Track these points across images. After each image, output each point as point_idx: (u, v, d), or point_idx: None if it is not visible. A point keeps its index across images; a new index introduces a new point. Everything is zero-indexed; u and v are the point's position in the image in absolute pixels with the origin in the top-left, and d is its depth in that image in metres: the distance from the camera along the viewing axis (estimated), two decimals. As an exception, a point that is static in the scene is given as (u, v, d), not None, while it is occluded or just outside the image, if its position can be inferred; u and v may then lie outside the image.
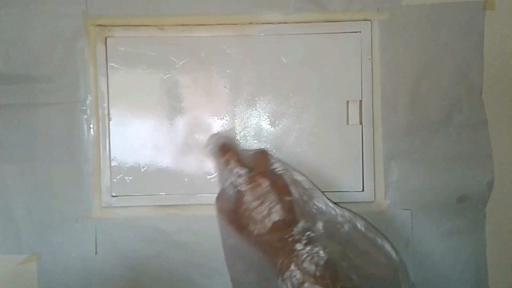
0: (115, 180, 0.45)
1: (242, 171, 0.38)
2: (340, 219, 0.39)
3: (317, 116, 0.45)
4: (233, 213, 0.38)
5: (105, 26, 0.45)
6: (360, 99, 0.45)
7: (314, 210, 0.39)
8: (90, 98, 0.45)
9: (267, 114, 0.45)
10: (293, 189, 0.38)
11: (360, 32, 0.45)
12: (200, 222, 0.45)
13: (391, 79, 0.45)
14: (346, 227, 0.39)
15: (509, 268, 0.46)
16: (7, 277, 0.46)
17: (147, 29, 0.45)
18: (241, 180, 0.37)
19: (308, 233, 0.36)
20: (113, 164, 0.45)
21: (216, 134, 0.42)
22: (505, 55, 0.45)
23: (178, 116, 0.45)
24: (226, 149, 0.40)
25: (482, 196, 0.45)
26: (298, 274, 0.34)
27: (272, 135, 0.45)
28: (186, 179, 0.45)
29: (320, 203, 0.39)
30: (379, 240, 0.40)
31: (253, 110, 0.45)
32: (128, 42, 0.45)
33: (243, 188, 0.37)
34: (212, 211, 0.45)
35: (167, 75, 0.45)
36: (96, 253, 0.45)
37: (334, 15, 0.45)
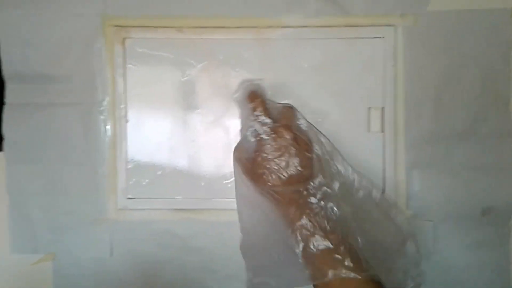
0: (131, 182, 0.45)
1: (267, 120, 0.37)
2: (356, 184, 0.39)
3: (337, 122, 0.44)
4: (251, 161, 0.37)
5: (123, 26, 0.44)
6: (383, 106, 0.44)
7: (333, 171, 0.38)
8: (107, 99, 0.45)
9: (286, 119, 0.44)
10: (315, 147, 0.37)
11: (383, 37, 0.44)
12: (216, 228, 0.45)
13: (414, 86, 0.44)
14: (361, 193, 0.39)
15: (533, 283, 0.45)
16: (22, 276, 0.46)
17: (165, 30, 0.44)
18: (264, 128, 0.37)
19: (324, 188, 0.36)
20: (129, 166, 0.45)
21: (246, 80, 0.41)
22: (533, 63, 0.44)
23: (195, 119, 0.45)
24: (254, 96, 0.39)
25: (508, 209, 0.44)
26: (309, 226, 0.34)
27: (290, 140, 0.44)
28: (202, 183, 0.45)
29: (340, 165, 0.39)
30: (392, 212, 0.39)
31: (272, 115, 0.44)
32: (146, 43, 0.44)
33: (265, 137, 0.37)
34: (229, 217, 0.45)
35: (185, 78, 0.44)
36: (110, 255, 0.45)
37: (356, 19, 0.44)
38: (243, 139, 0.39)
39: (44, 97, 0.45)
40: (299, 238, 0.34)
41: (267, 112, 0.38)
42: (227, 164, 0.45)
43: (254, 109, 0.38)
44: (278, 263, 0.37)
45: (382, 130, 0.44)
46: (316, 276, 0.34)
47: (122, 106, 0.45)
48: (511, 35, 0.43)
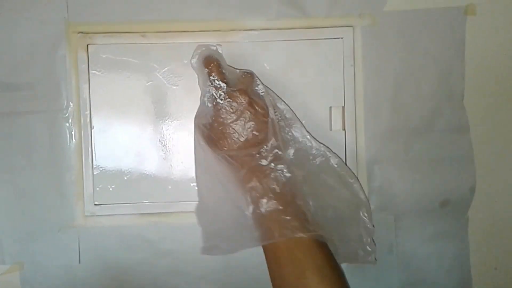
0: (98, 188, 0.45)
1: (222, 84, 0.37)
2: (314, 151, 0.40)
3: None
4: (208, 126, 0.38)
5: (86, 33, 0.44)
6: (343, 105, 0.45)
7: (288, 137, 0.39)
8: (72, 105, 0.45)
9: (251, 120, 0.45)
10: (271, 111, 0.38)
11: (342, 38, 0.45)
12: (184, 230, 0.45)
13: (373, 84, 0.45)
14: (318, 160, 0.40)
15: (493, 271, 0.47)
16: (-11, 288, 0.45)
17: (129, 36, 0.45)
18: (220, 92, 0.37)
19: (276, 150, 0.36)
20: (95, 172, 0.45)
21: (202, 45, 0.41)
22: (486, 60, 0.46)
23: (161, 123, 0.45)
24: (210, 61, 0.39)
25: (465, 200, 0.46)
26: (258, 188, 0.35)
27: (256, 141, 0.45)
28: (169, 187, 0.45)
29: (298, 132, 0.40)
30: (349, 179, 0.41)
31: (237, 117, 0.45)
32: (110, 49, 0.44)
33: (221, 101, 0.37)
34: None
35: (150, 82, 0.45)
36: (79, 262, 0.45)
37: (316, 21, 0.45)
38: (202, 105, 0.39)
39: (8, 105, 0.44)
40: (249, 199, 0.35)
41: (222, 76, 0.38)
42: (194, 167, 0.45)
43: (209, 74, 0.38)
44: (229, 226, 0.38)
45: (343, 128, 0.45)
46: (264, 237, 0.34)
47: (87, 112, 0.45)
48: (465, 32, 0.45)
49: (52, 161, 0.45)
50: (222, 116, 0.37)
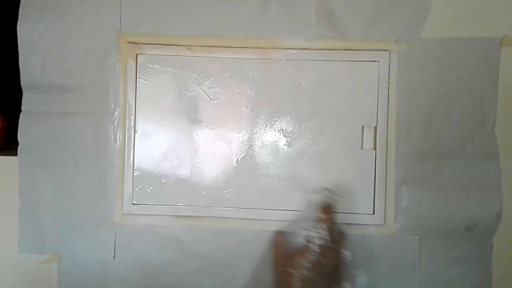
0: (136, 189, 0.47)
1: (327, 237, 0.40)
2: None
3: (332, 139, 0.47)
4: (286, 256, 0.40)
5: (136, 43, 0.48)
6: (375, 125, 0.46)
7: None
8: (118, 110, 0.48)
9: (284, 135, 0.47)
10: (347, 283, 0.40)
11: (378, 61, 0.47)
12: (215, 234, 0.47)
13: (406, 107, 0.46)
14: None
15: (515, 298, 0.47)
16: (28, 275, 0.48)
17: (176, 48, 0.47)
18: (319, 242, 0.39)
19: None
20: (135, 173, 0.47)
21: (329, 190, 0.43)
22: (519, 90, 0.46)
23: (200, 131, 0.47)
24: (328, 210, 0.41)
25: (490, 226, 0.46)
26: None
27: (288, 155, 0.47)
28: (203, 192, 0.47)
29: None
30: None
31: (271, 130, 0.47)
32: (157, 59, 0.47)
33: (314, 248, 0.39)
34: (228, 224, 0.47)
35: (192, 93, 0.47)
36: (114, 257, 0.48)
37: (354, 43, 0.47)
38: (292, 232, 0.42)
39: (59, 106, 0.48)
40: None
41: (331, 230, 0.40)
42: (227, 175, 0.47)
43: (321, 220, 0.40)
44: None
45: (374, 148, 0.47)
46: None
47: (132, 117, 0.48)
48: (499, 62, 0.46)
49: (96, 160, 0.48)
50: (306, 259, 0.39)
